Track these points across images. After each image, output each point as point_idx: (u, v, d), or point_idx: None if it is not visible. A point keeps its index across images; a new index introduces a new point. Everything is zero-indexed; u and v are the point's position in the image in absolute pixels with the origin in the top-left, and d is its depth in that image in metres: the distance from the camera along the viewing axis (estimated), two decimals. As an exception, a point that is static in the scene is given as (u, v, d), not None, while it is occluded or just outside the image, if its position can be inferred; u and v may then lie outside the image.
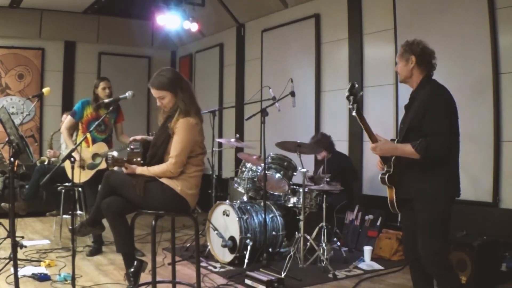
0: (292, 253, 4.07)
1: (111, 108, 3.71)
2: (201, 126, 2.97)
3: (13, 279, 2.98)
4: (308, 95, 6.02)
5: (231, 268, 4.14)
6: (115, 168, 3.24)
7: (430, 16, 4.70)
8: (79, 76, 8.03)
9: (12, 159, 3.04)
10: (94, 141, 4.54)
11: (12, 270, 3.15)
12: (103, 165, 4.39)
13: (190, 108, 2.92)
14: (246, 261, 4.10)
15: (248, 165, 4.78)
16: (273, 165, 4.60)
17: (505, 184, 4.12)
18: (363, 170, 5.42)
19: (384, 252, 4.50)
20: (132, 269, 2.95)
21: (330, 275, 3.87)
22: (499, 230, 3.98)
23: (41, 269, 3.82)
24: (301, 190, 4.34)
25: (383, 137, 2.73)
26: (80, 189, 4.97)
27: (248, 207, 4.41)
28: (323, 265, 4.05)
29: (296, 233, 4.30)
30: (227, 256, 4.25)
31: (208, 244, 4.49)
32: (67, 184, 4.85)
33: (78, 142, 3.91)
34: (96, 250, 4.54)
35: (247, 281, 3.62)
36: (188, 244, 4.77)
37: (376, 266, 4.25)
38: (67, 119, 4.67)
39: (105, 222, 3.01)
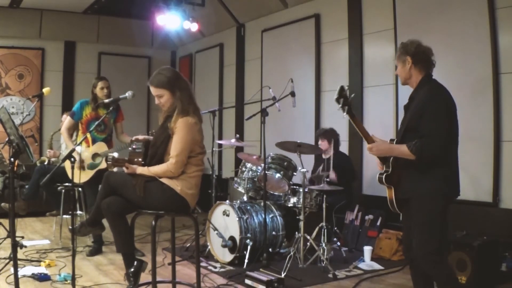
0: (292, 253, 4.07)
1: (111, 109, 3.71)
2: (200, 125, 2.97)
3: (13, 279, 2.98)
4: (308, 95, 6.02)
5: (231, 268, 4.14)
6: (115, 169, 3.24)
7: (430, 16, 4.70)
8: (79, 76, 8.04)
9: (12, 159, 3.04)
10: (94, 141, 4.54)
11: (12, 270, 3.15)
12: (103, 165, 4.39)
13: (188, 107, 2.92)
14: (246, 261, 4.10)
15: (248, 165, 4.78)
16: (273, 165, 4.60)
17: (505, 184, 4.12)
18: (363, 170, 5.42)
19: (384, 252, 4.50)
20: (132, 269, 2.95)
21: (330, 275, 3.87)
22: (499, 230, 3.98)
23: (41, 269, 3.82)
24: (301, 190, 4.34)
25: (379, 138, 2.75)
26: (80, 189, 4.97)
27: (248, 207, 4.41)
28: (323, 265, 4.05)
29: (296, 233, 4.30)
30: (227, 256, 4.25)
31: (208, 244, 4.49)
32: (67, 184, 4.85)
33: (78, 142, 3.91)
34: (96, 250, 4.54)
35: (247, 281, 3.62)
36: (188, 244, 4.77)
37: (376, 266, 4.25)
38: (66, 120, 4.68)
39: (105, 222, 3.01)
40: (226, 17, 7.38)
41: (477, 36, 4.28)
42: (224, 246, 4.22)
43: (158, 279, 3.10)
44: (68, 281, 3.53)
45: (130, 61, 8.51)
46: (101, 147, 4.51)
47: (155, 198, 2.85)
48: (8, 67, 7.53)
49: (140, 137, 3.58)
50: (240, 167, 4.90)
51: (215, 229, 4.35)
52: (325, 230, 4.28)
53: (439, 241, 2.58)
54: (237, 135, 5.20)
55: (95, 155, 4.49)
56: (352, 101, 2.73)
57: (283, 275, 3.76)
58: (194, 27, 6.89)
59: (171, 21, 6.75)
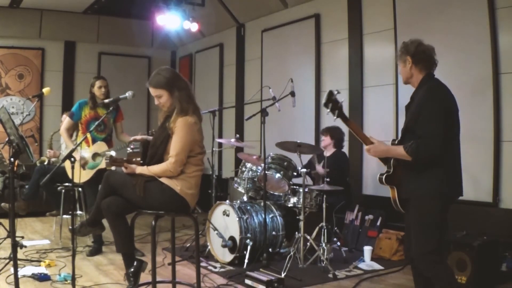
0: (292, 253, 4.07)
1: (111, 109, 3.71)
2: (200, 125, 2.97)
3: (13, 279, 2.98)
4: (308, 95, 6.02)
5: (231, 268, 4.14)
6: (113, 168, 3.24)
7: (430, 16, 4.70)
8: (79, 76, 8.04)
9: (12, 159, 3.04)
10: (94, 140, 4.55)
11: (12, 270, 3.15)
12: (103, 165, 4.39)
13: (188, 107, 2.93)
14: (246, 261, 4.10)
15: (248, 165, 4.78)
16: (273, 165, 4.60)
17: (505, 184, 4.12)
18: (363, 170, 5.42)
19: (384, 252, 4.50)
20: (132, 269, 2.96)
21: (330, 275, 3.87)
22: (499, 230, 3.98)
23: (41, 269, 3.82)
24: (301, 190, 4.34)
25: (376, 139, 2.75)
26: (80, 189, 4.97)
27: (248, 207, 4.41)
28: (323, 265, 4.05)
29: (296, 233, 4.30)
30: (227, 256, 4.25)
31: (208, 244, 4.49)
32: (67, 184, 4.86)
33: (78, 142, 3.91)
34: (96, 250, 4.54)
35: (247, 281, 3.62)
36: (188, 244, 4.77)
37: (376, 266, 4.25)
38: (65, 120, 4.68)
39: (105, 222, 3.01)
40: (226, 17, 7.38)
41: (477, 36, 4.28)
42: (224, 246, 4.22)
43: (158, 279, 3.10)
44: (68, 281, 3.53)
45: (130, 61, 8.51)
46: (101, 147, 4.51)
47: (155, 198, 2.85)
48: (8, 67, 7.53)
49: (138, 137, 3.56)
50: (240, 167, 4.90)
51: (215, 229, 4.35)
52: (325, 230, 4.27)
53: (437, 242, 2.58)
54: (237, 135, 5.20)
55: (95, 155, 4.49)
56: (341, 105, 2.75)
57: (283, 275, 3.76)
58: (194, 27, 6.89)
59: (171, 21, 6.75)
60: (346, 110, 5.38)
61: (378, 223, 4.84)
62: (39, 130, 7.74)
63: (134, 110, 7.71)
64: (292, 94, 4.40)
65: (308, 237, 4.18)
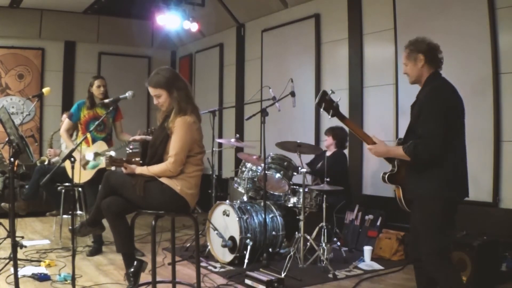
0: (292, 253, 4.07)
1: (111, 109, 3.71)
2: (199, 124, 2.97)
3: (13, 279, 2.98)
4: (308, 95, 6.02)
5: (231, 268, 4.14)
6: (113, 168, 3.24)
7: (430, 16, 4.70)
8: (79, 76, 8.04)
9: (12, 159, 3.04)
10: (94, 140, 4.55)
11: (12, 270, 3.15)
12: (103, 164, 4.39)
13: (186, 107, 2.93)
14: (246, 261, 4.10)
15: (248, 165, 4.78)
16: (273, 165, 4.60)
17: (505, 184, 4.12)
18: (363, 170, 5.42)
19: (384, 252, 4.50)
20: (132, 269, 2.95)
21: (330, 275, 3.87)
22: (499, 230, 3.98)
23: (41, 269, 3.82)
24: (301, 190, 4.34)
25: (378, 139, 2.75)
26: (80, 189, 4.97)
27: (248, 207, 4.41)
28: (323, 265, 4.05)
29: (296, 233, 4.30)
30: (227, 256, 4.25)
31: (208, 244, 4.49)
32: (67, 184, 4.85)
33: (78, 142, 3.92)
34: (96, 250, 4.54)
35: (247, 281, 3.62)
36: (188, 244, 4.77)
37: (376, 266, 4.25)
38: (65, 121, 4.69)
39: (105, 222, 3.01)
40: (226, 17, 7.38)
41: (477, 36, 4.28)
42: (224, 246, 4.22)
43: (158, 279, 3.11)
44: (68, 281, 3.53)
45: (130, 61, 8.51)
46: (101, 146, 4.51)
47: (155, 198, 2.85)
48: (8, 67, 7.53)
49: (137, 137, 3.58)
50: (240, 167, 4.90)
51: (215, 229, 4.35)
52: (325, 230, 4.27)
53: (443, 242, 2.55)
54: (237, 135, 5.20)
55: (95, 155, 4.49)
56: (337, 105, 2.75)
57: (283, 275, 3.76)
58: (194, 27, 6.89)
59: (171, 21, 6.75)
60: (346, 110, 5.44)
61: (378, 223, 4.84)
62: (39, 130, 7.74)
63: (134, 110, 7.71)
64: (292, 94, 4.40)
65: (308, 237, 4.18)
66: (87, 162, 4.43)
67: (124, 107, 4.73)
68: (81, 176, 4.38)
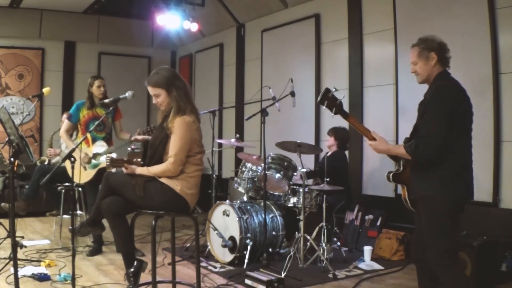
0: (292, 253, 4.07)
1: (111, 109, 3.71)
2: (198, 124, 2.97)
3: (13, 279, 2.98)
4: (308, 95, 6.02)
5: (231, 268, 4.14)
6: (113, 170, 3.24)
7: (430, 16, 4.70)
8: (79, 76, 8.03)
9: (12, 159, 3.04)
10: (94, 140, 4.55)
11: (12, 270, 3.15)
12: (104, 164, 4.39)
13: (185, 107, 2.93)
14: (246, 261, 4.10)
15: (248, 165, 4.78)
16: (273, 165, 4.60)
17: (505, 184, 4.12)
18: (363, 170, 5.42)
19: (384, 252, 4.50)
20: (132, 269, 2.95)
21: (330, 275, 3.87)
22: (499, 230, 3.98)
23: (41, 269, 3.82)
24: (301, 190, 4.34)
25: (379, 136, 2.73)
26: (80, 189, 4.97)
27: (248, 207, 4.41)
28: (323, 265, 4.05)
29: (296, 233, 4.30)
30: (227, 256, 4.25)
31: (208, 244, 4.49)
32: (67, 184, 4.85)
33: (78, 142, 3.92)
34: (96, 250, 4.54)
35: (247, 281, 3.62)
36: (188, 244, 4.77)
37: (376, 266, 4.25)
38: (64, 122, 4.69)
39: (105, 222, 3.01)
40: (226, 17, 7.38)
41: (477, 36, 4.28)
42: (224, 246, 4.22)
43: (158, 279, 3.10)
44: (68, 281, 3.53)
45: (130, 61, 8.51)
46: (101, 146, 4.51)
47: (155, 198, 2.85)
48: (8, 67, 7.53)
49: (139, 137, 3.57)
50: (240, 167, 4.90)
51: (215, 229, 4.35)
52: (325, 230, 4.27)
53: (448, 243, 2.52)
54: (237, 135, 5.20)
55: (95, 155, 4.49)
56: (340, 102, 2.74)
57: (283, 275, 3.76)
58: (194, 27, 6.89)
59: (171, 21, 6.75)
60: (346, 110, 5.41)
61: (378, 223, 4.84)
62: (39, 130, 7.74)
63: (134, 110, 7.71)
64: (292, 94, 4.40)
65: (308, 237, 4.18)
66: (91, 158, 4.44)
67: (124, 107, 4.73)
68: (82, 176, 4.38)
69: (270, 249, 4.33)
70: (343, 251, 4.45)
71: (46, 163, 5.62)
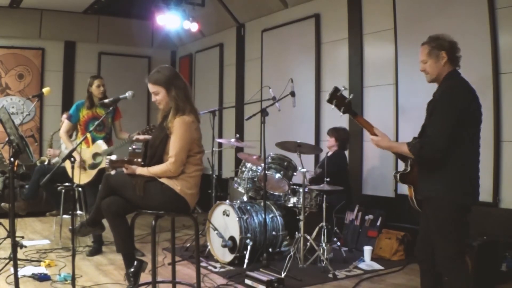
0: (292, 253, 4.07)
1: (110, 109, 3.71)
2: (197, 124, 2.97)
3: (13, 279, 2.98)
4: (308, 95, 6.02)
5: (231, 268, 4.14)
6: (113, 172, 3.25)
7: (430, 16, 4.70)
8: (79, 76, 8.04)
9: (12, 159, 3.04)
10: (93, 140, 4.55)
11: (12, 270, 3.15)
12: (104, 164, 4.39)
13: (184, 107, 2.93)
14: (246, 261, 4.10)
15: (248, 165, 4.78)
16: (273, 165, 4.60)
17: (505, 184, 4.12)
18: (363, 170, 5.42)
19: (384, 252, 4.50)
20: (132, 269, 2.95)
21: (330, 275, 3.87)
22: (499, 230, 3.98)
23: (41, 269, 3.82)
24: (301, 190, 4.34)
25: (381, 132, 2.70)
26: (80, 189, 4.97)
27: (248, 207, 4.41)
28: (323, 265, 4.05)
29: (296, 233, 4.30)
30: (227, 256, 4.25)
31: (208, 244, 4.49)
32: (67, 184, 4.85)
33: (78, 142, 3.92)
34: (96, 250, 4.54)
35: (247, 281, 3.62)
36: (188, 244, 4.77)
37: (376, 266, 4.25)
38: (64, 123, 4.68)
39: (105, 222, 3.01)
40: (226, 17, 7.38)
41: (477, 36, 4.28)
42: (224, 246, 4.22)
43: (158, 279, 3.10)
44: (68, 281, 3.53)
45: (130, 61, 8.51)
46: (100, 146, 4.51)
47: (155, 198, 2.85)
48: (8, 67, 7.53)
49: (141, 137, 3.58)
50: (240, 167, 4.90)
51: (215, 229, 4.35)
52: (325, 230, 4.27)
53: (454, 245, 2.50)
54: (237, 135, 5.20)
55: (95, 155, 4.49)
56: (349, 101, 2.73)
57: (283, 275, 3.76)
58: (194, 27, 6.89)
59: (171, 21, 6.75)
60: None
61: (378, 223, 4.84)
62: (39, 130, 7.74)
63: (134, 110, 7.71)
64: (292, 94, 4.40)
65: (308, 237, 4.18)
66: (91, 162, 4.45)
67: (124, 106, 4.72)
68: (82, 177, 4.38)
69: (270, 249, 4.33)
70: (343, 251, 4.45)
71: (46, 163, 5.62)
